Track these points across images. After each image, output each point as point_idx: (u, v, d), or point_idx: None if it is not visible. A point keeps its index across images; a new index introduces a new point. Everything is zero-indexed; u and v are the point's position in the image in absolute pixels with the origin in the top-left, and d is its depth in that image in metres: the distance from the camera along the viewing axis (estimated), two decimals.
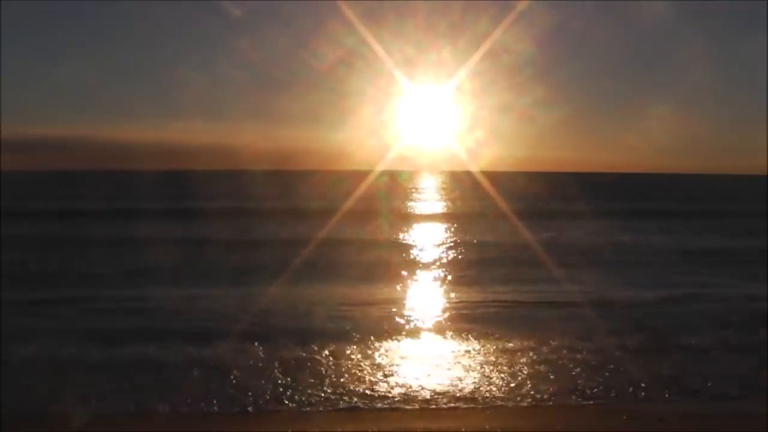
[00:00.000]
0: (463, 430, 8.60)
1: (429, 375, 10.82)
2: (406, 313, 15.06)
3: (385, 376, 10.66)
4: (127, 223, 34.61)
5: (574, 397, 9.78)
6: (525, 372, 10.81)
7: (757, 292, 17.11)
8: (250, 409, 9.34)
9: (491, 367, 11.05)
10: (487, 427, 8.67)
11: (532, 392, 9.92)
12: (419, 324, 14.12)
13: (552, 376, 10.59)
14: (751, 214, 42.70)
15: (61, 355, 11.62)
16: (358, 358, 11.49)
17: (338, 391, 9.93)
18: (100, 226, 34.01)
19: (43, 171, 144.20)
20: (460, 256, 24.51)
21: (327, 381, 10.37)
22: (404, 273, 20.42)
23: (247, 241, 27.72)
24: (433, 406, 9.43)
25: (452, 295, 17.35)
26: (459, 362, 11.42)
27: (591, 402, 9.62)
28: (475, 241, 29.15)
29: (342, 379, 10.45)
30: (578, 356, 11.62)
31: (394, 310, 15.24)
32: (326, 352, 11.77)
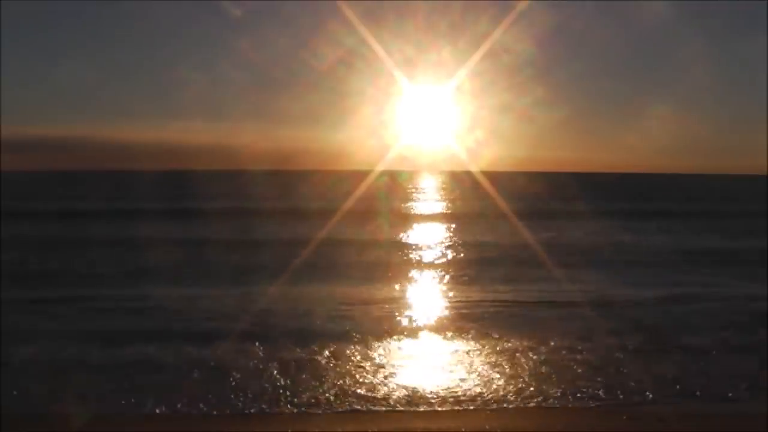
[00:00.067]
0: (463, 430, 8.59)
1: (429, 375, 10.82)
2: (405, 313, 15.07)
3: (385, 376, 10.66)
4: (127, 223, 34.60)
5: (574, 397, 9.78)
6: (525, 372, 10.80)
7: (758, 292, 17.10)
8: (250, 410, 9.34)
9: (491, 368, 11.05)
10: (486, 427, 8.67)
11: (532, 393, 9.92)
12: (419, 324, 14.12)
13: (552, 377, 10.59)
14: (751, 215, 42.70)
15: (61, 356, 11.62)
16: (357, 359, 11.49)
17: (338, 392, 9.93)
18: (100, 226, 34.01)
19: (43, 171, 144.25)
20: (460, 256, 24.51)
21: (327, 381, 10.37)
22: (404, 273, 20.42)
23: (247, 241, 27.72)
24: (433, 407, 9.42)
25: (452, 294, 17.35)
26: (459, 362, 11.42)
27: (591, 402, 9.62)
28: (475, 241, 29.14)
29: (342, 380, 10.45)
30: (578, 356, 11.62)
31: (394, 309, 15.24)
32: (326, 352, 11.77)
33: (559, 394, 9.87)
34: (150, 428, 8.77)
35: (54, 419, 8.83)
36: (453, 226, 36.53)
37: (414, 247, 27.29)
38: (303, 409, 9.34)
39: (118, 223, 35.60)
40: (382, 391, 9.99)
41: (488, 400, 9.67)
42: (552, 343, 12.32)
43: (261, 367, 11.01)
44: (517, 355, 11.70)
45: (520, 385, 10.20)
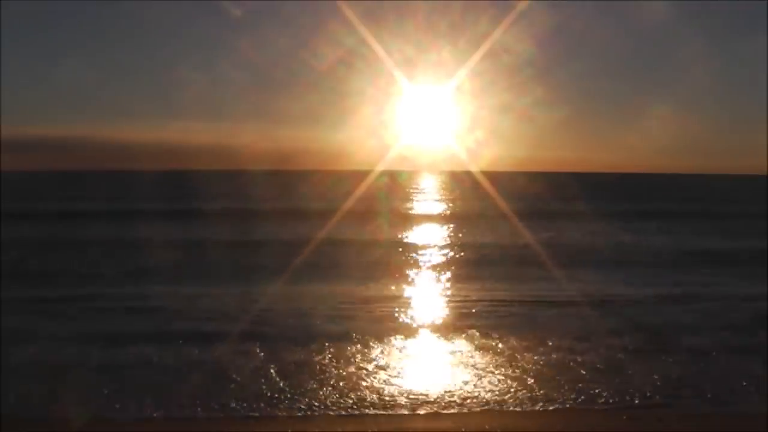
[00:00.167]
0: (463, 430, 8.60)
1: (429, 376, 10.83)
2: (405, 312, 15.07)
3: (386, 377, 10.66)
4: (127, 224, 34.58)
5: (574, 397, 9.77)
6: (525, 373, 10.80)
7: (758, 292, 17.10)
8: (250, 411, 9.34)
9: (491, 368, 11.05)
10: (486, 427, 8.67)
11: (532, 393, 9.92)
12: (419, 324, 14.12)
13: (552, 377, 10.59)
14: (752, 215, 42.69)
15: (60, 356, 11.62)
16: (358, 360, 11.48)
17: (338, 393, 9.93)
18: (100, 226, 34.01)
19: (43, 171, 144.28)
20: (459, 256, 24.51)
21: (327, 383, 10.37)
22: (404, 273, 20.42)
23: (247, 242, 27.71)
24: (433, 408, 9.42)
25: (452, 294, 17.35)
26: (459, 363, 11.42)
27: (591, 402, 9.61)
28: (475, 241, 29.14)
29: (342, 381, 10.45)
30: (578, 357, 11.62)
31: (394, 309, 15.24)
32: (326, 353, 11.76)
33: (559, 394, 9.87)
34: (149, 429, 8.77)
35: (53, 420, 8.82)
36: (453, 226, 36.53)
37: (414, 247, 27.29)
38: (303, 410, 9.33)
39: (118, 223, 35.59)
40: (383, 392, 9.98)
41: (488, 401, 9.67)
42: (552, 344, 12.32)
43: (261, 368, 11.00)
44: (517, 355, 11.70)
45: (520, 386, 10.20)
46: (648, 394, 9.87)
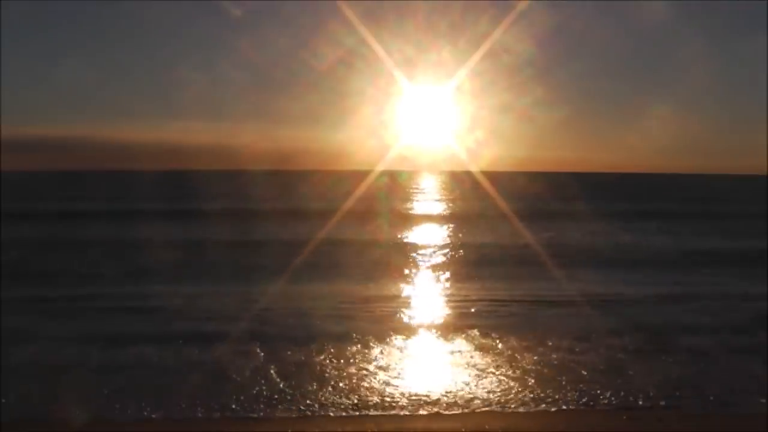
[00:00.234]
0: (464, 431, 8.60)
1: (429, 376, 10.83)
2: (405, 313, 15.07)
3: (385, 377, 10.66)
4: (127, 224, 34.59)
5: (574, 397, 9.77)
6: (525, 373, 10.80)
7: (758, 293, 17.10)
8: (250, 412, 9.33)
9: (491, 369, 11.05)
10: (486, 427, 8.67)
11: (532, 394, 9.92)
12: (419, 324, 14.12)
13: (552, 377, 10.59)
14: (752, 215, 42.69)
15: (60, 356, 11.62)
16: (357, 359, 11.48)
17: (338, 393, 9.93)
18: (100, 226, 34.02)
19: (43, 171, 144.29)
20: (459, 256, 24.51)
21: (327, 382, 10.37)
22: (404, 273, 20.42)
23: (247, 242, 27.70)
24: (434, 408, 9.42)
25: (452, 294, 17.35)
26: (459, 363, 11.42)
27: (591, 402, 9.61)
28: (475, 241, 29.13)
29: (342, 381, 10.45)
30: (578, 357, 11.62)
31: (394, 310, 15.24)
32: (326, 353, 11.76)
33: (559, 395, 9.87)
34: (149, 429, 8.77)
35: (53, 421, 8.82)
36: (453, 226, 36.53)
37: (414, 247, 27.28)
38: (303, 410, 9.33)
39: (118, 223, 35.59)
40: (383, 392, 9.98)
41: (489, 401, 9.67)
42: (552, 344, 12.32)
43: (261, 368, 11.00)
44: (517, 355, 11.70)
45: (520, 387, 10.20)
46: (648, 394, 9.87)
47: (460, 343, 12.58)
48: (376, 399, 9.70)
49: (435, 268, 21.77)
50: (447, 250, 26.14)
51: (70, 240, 27.99)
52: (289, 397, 9.72)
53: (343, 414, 9.22)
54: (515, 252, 24.88)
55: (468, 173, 77.80)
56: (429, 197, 68.78)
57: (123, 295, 16.58)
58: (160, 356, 11.57)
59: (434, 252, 25.71)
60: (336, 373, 10.79)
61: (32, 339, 12.55)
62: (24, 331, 13.17)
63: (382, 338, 12.75)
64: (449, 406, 9.46)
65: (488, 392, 9.96)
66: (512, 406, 9.49)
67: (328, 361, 11.33)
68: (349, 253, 24.06)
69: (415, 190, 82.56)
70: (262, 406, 9.45)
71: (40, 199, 55.62)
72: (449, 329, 13.60)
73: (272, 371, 10.79)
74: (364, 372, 10.84)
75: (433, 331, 13.60)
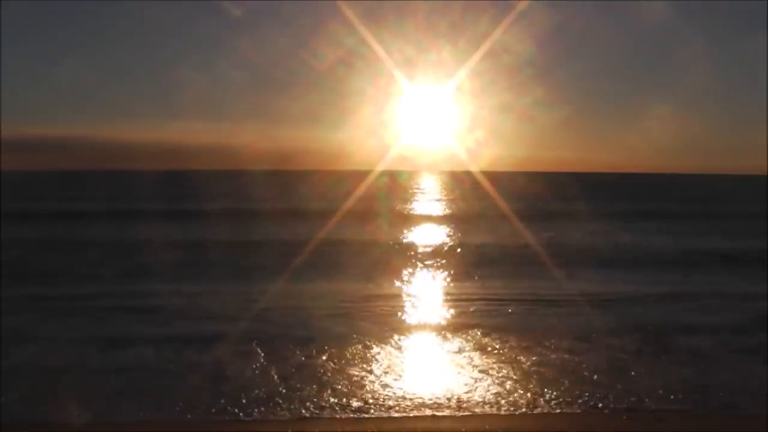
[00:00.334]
0: (464, 430, 8.60)
1: (430, 377, 10.83)
2: (406, 313, 15.07)
3: (385, 378, 10.65)
4: (127, 224, 34.59)
5: (574, 398, 9.77)
6: (525, 374, 10.80)
7: (758, 293, 17.11)
8: (250, 414, 9.33)
9: (492, 369, 11.04)
10: (487, 427, 8.67)
11: (532, 394, 9.92)
12: (419, 325, 14.12)
13: (552, 378, 10.59)
14: (752, 215, 42.69)
15: (60, 357, 11.61)
16: (358, 360, 11.48)
17: (338, 394, 9.93)
18: (100, 226, 34.02)
19: (43, 171, 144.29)
20: (459, 256, 24.49)
21: (327, 383, 10.37)
22: (404, 273, 20.41)
23: (247, 242, 27.70)
24: (434, 409, 9.42)
25: (452, 294, 17.34)
26: (459, 364, 11.41)
27: (591, 403, 9.61)
28: (475, 241, 29.13)
29: (342, 382, 10.45)
30: (578, 357, 11.62)
31: (394, 310, 15.24)
32: (326, 353, 11.76)
33: (559, 395, 9.86)
34: (149, 430, 8.76)
35: (53, 421, 8.82)
36: (453, 226, 36.53)
37: (414, 247, 27.28)
38: (303, 411, 9.33)
39: (118, 223, 35.59)
40: (383, 393, 9.98)
41: (489, 402, 9.67)
42: (552, 344, 12.32)
43: (261, 369, 11.00)
44: (517, 356, 11.69)
45: (520, 387, 10.20)
46: (648, 394, 9.87)
47: (460, 343, 12.58)
48: (376, 400, 9.70)
49: (435, 267, 21.77)
50: (447, 250, 26.13)
51: (70, 240, 27.98)
52: (289, 398, 9.72)
53: (344, 415, 9.21)
54: (515, 252, 24.88)
55: (468, 173, 77.88)
56: (429, 197, 68.77)
57: (123, 295, 16.58)
58: (159, 356, 11.56)
59: (434, 252, 25.70)
60: (336, 373, 10.79)
61: (32, 339, 12.55)
62: (24, 331, 13.17)
63: (382, 338, 12.75)
64: (449, 407, 9.46)
65: (488, 393, 9.95)
66: (512, 407, 9.49)
67: (328, 362, 11.32)
68: (349, 253, 24.05)
69: (415, 190, 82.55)
70: (261, 407, 9.45)
71: (40, 199, 55.62)
72: (449, 329, 13.60)
73: (272, 372, 10.79)
74: (364, 373, 10.84)
75: (433, 331, 13.60)
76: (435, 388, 10.13)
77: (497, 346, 12.22)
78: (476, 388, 10.15)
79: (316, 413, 9.23)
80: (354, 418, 9.12)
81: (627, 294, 17.15)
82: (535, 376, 10.62)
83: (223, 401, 9.56)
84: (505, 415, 9.20)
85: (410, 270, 21.13)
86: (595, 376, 10.62)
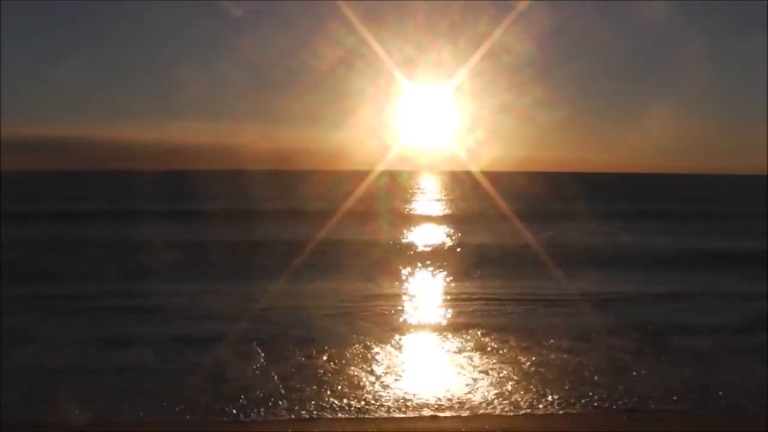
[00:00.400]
0: (464, 431, 8.59)
1: (430, 378, 10.83)
2: (406, 313, 15.06)
3: (385, 378, 10.65)
4: (127, 224, 34.58)
5: (575, 398, 9.77)
6: (525, 373, 10.80)
7: (758, 293, 17.10)
8: (250, 414, 9.33)
9: (492, 370, 11.04)
10: (487, 427, 8.67)
11: (532, 395, 9.92)
12: (419, 325, 14.12)
13: (552, 378, 10.58)
14: (752, 215, 42.67)
15: (60, 357, 11.61)
16: (358, 360, 11.48)
17: (338, 394, 9.93)
18: (100, 226, 34.01)
19: (43, 171, 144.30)
20: (459, 256, 24.49)
21: (327, 384, 10.36)
22: (404, 273, 20.41)
23: (247, 242, 27.69)
24: (433, 410, 9.41)
25: (452, 295, 17.33)
26: (459, 364, 11.41)
27: (591, 403, 9.61)
28: (475, 241, 29.12)
29: (342, 382, 10.44)
30: (578, 357, 11.61)
31: (394, 310, 15.24)
32: (326, 353, 11.76)
33: (559, 395, 9.86)
34: (149, 431, 8.76)
35: (53, 422, 8.82)
36: (453, 226, 36.52)
37: (414, 247, 27.28)
38: (303, 412, 9.33)
39: (118, 223, 35.58)
40: (383, 393, 9.98)
41: (489, 402, 9.67)
42: (552, 344, 12.31)
43: (261, 369, 11.00)
44: (517, 356, 11.69)
45: (520, 388, 10.19)
46: (648, 394, 9.87)
47: (460, 343, 12.58)
48: (376, 400, 9.70)
49: (435, 267, 21.76)
50: (447, 250, 26.13)
51: (70, 240, 27.97)
52: (289, 398, 9.71)
53: (343, 415, 9.21)
54: (515, 252, 24.87)
55: (468, 173, 77.83)
56: (429, 197, 68.77)
57: (123, 295, 16.57)
58: (159, 357, 11.55)
59: (434, 252, 25.70)
60: (336, 374, 10.79)
61: (32, 339, 12.54)
62: (24, 331, 13.16)
63: (382, 338, 12.75)
64: (449, 407, 9.45)
65: (488, 393, 9.95)
66: (512, 407, 9.48)
67: (328, 362, 11.32)
68: (349, 253, 24.05)
69: (415, 190, 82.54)
70: (261, 407, 9.44)
71: (40, 199, 55.61)
72: (449, 329, 13.60)
73: (272, 372, 10.78)
74: (365, 373, 10.83)
75: (433, 330, 13.60)
76: (435, 388, 10.12)
77: (497, 346, 12.22)
78: (476, 388, 10.15)
79: (317, 414, 9.23)
80: (354, 418, 9.11)
81: (627, 294, 17.15)
82: (535, 377, 10.61)
83: (222, 401, 9.55)
84: (505, 415, 9.20)
85: (410, 270, 21.13)
86: (595, 377, 10.62)
